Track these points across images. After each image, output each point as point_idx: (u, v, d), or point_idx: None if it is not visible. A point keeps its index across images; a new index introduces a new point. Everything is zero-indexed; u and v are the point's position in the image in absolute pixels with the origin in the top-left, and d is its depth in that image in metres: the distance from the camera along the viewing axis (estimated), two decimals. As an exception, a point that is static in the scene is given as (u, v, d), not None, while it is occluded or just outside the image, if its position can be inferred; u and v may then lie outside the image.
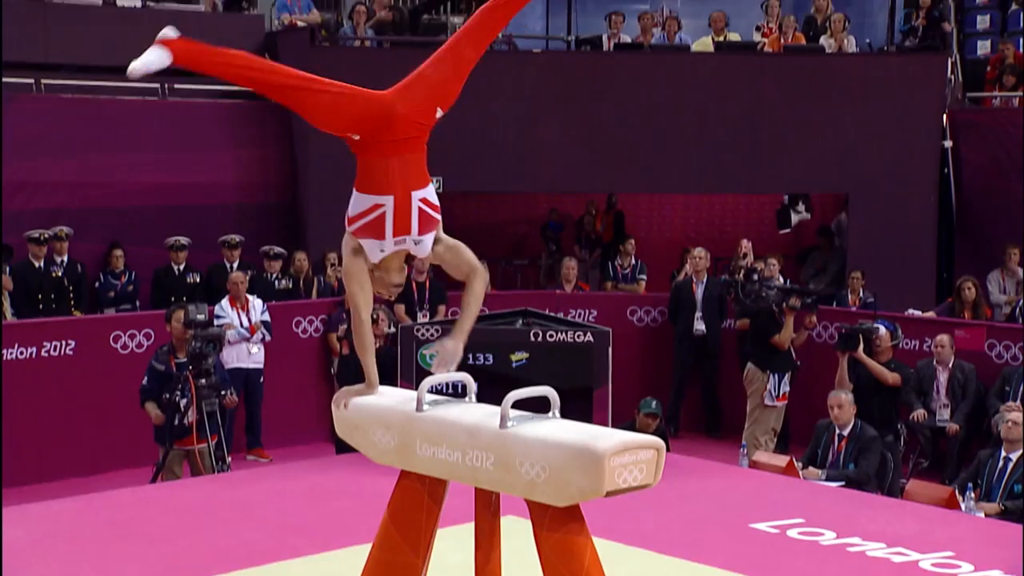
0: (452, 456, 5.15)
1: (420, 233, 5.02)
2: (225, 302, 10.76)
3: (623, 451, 4.87)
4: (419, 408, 5.33)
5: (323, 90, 5.00)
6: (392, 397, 5.70)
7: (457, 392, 5.64)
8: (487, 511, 5.27)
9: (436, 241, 5.13)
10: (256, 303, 10.95)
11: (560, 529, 4.98)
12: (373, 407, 5.61)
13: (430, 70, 5.08)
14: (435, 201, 5.07)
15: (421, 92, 5.05)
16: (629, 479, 4.88)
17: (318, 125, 5.04)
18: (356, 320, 5.13)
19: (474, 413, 5.28)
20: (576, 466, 4.83)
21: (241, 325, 10.74)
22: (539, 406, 5.17)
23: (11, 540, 6.84)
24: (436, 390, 5.50)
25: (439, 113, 5.10)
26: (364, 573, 5.59)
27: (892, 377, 10.16)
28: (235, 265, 11.64)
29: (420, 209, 5.00)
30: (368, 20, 13.94)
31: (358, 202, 4.98)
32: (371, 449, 5.54)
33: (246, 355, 10.84)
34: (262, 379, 11.02)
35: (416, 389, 5.37)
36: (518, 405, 5.02)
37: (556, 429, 5.05)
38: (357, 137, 4.98)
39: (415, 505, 5.42)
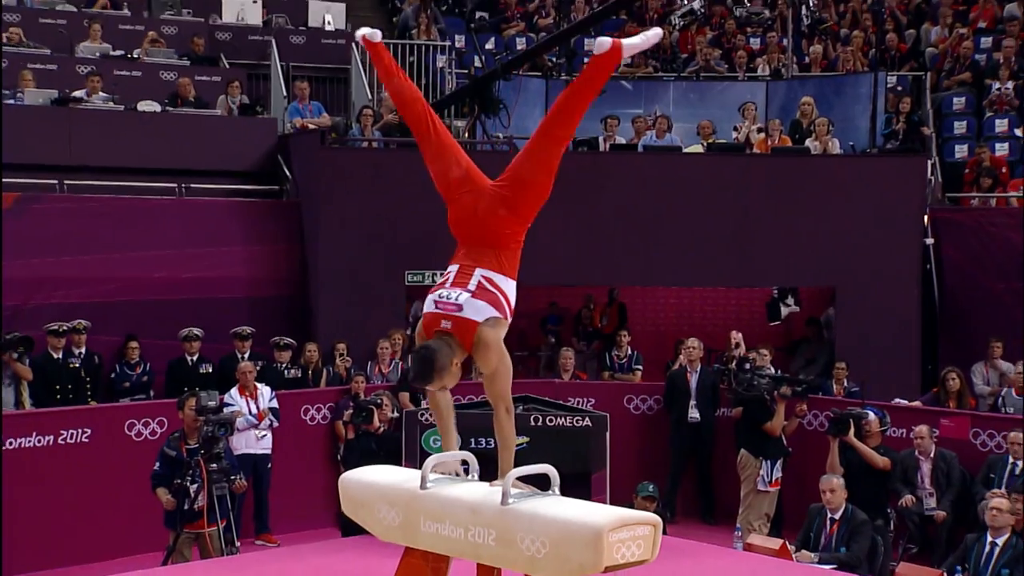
0: (455, 532, 5.11)
1: (475, 297, 4.96)
2: (235, 391, 10.73)
3: (621, 527, 4.83)
4: (423, 486, 5.30)
5: (442, 139, 5.18)
6: (397, 475, 5.67)
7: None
8: (489, 589, 5.23)
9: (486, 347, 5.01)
10: (264, 391, 10.92)
11: (561, 605, 4.93)
12: (379, 485, 5.57)
13: (519, 165, 5.23)
14: (505, 289, 5.07)
15: (513, 181, 5.21)
16: (627, 554, 4.84)
17: (427, 163, 5.20)
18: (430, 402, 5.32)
19: (476, 491, 5.25)
20: (576, 541, 4.79)
21: (249, 412, 10.69)
22: (540, 485, 5.15)
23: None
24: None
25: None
26: (370, 650, 5.53)
27: (882, 461, 10.13)
28: (246, 355, 11.63)
29: (479, 282, 5.00)
30: (375, 123, 14.06)
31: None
32: (376, 526, 5.50)
33: (254, 441, 10.78)
34: (269, 465, 10.94)
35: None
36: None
37: (556, 505, 5.02)
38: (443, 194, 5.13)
39: (420, 579, 5.38)
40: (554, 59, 15.73)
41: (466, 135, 14.33)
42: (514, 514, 4.96)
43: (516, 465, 5.10)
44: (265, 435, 10.86)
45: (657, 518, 5.04)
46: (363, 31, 5.31)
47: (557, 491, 5.22)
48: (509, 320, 5.03)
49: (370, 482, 5.64)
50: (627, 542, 4.86)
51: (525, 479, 5.16)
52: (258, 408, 10.78)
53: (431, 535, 5.22)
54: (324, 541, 9.74)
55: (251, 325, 12.06)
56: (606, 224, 13.21)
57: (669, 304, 14.78)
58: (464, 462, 5.62)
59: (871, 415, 10.32)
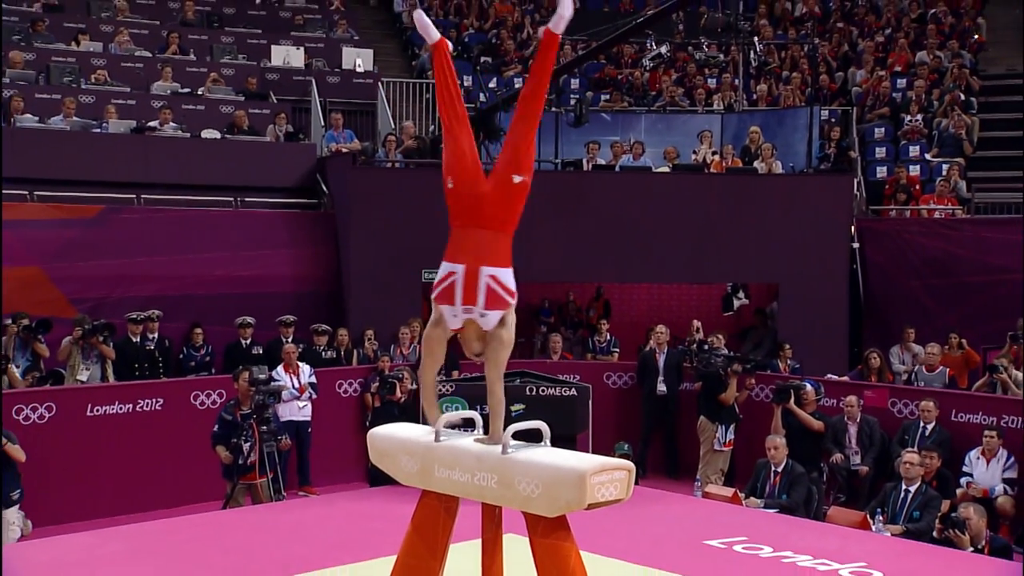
0: (463, 477, 5.14)
1: (487, 308, 4.72)
2: (280, 368, 10.74)
3: (601, 471, 4.85)
4: (437, 439, 5.33)
5: (461, 134, 4.82)
6: (414, 431, 5.70)
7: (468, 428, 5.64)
8: (492, 522, 5.25)
9: (501, 323, 4.79)
10: (305, 368, 10.92)
11: (551, 536, 4.95)
12: (400, 439, 5.59)
13: (510, 134, 4.94)
14: (508, 284, 4.75)
15: (502, 161, 4.87)
16: (606, 494, 4.86)
17: (444, 150, 4.86)
18: (421, 381, 5.00)
19: (480, 443, 5.28)
20: (564, 483, 4.81)
21: (292, 386, 10.71)
22: (534, 439, 5.18)
23: (117, 551, 6.83)
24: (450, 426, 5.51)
25: (517, 179, 4.83)
26: (393, 574, 5.53)
27: (817, 424, 10.17)
28: (289, 339, 11.62)
29: (488, 285, 4.70)
30: (397, 147, 14.08)
31: (440, 270, 4.75)
32: (398, 472, 5.52)
33: (297, 410, 10.78)
34: (310, 429, 10.94)
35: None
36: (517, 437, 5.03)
37: (547, 455, 5.04)
38: (451, 185, 4.79)
39: (433, 518, 5.39)
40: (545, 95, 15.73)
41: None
42: (512, 461, 4.99)
43: (516, 435, 5.12)
44: (306, 405, 10.86)
45: (631, 464, 5.06)
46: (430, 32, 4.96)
47: (548, 443, 5.25)
48: (514, 303, 4.81)
49: (393, 436, 5.67)
50: (606, 484, 4.88)
51: (522, 434, 5.20)
52: (299, 383, 10.80)
53: (443, 479, 5.24)
54: (355, 491, 9.76)
55: (294, 314, 12.08)
56: (589, 231, 13.22)
57: (642, 297, 14.80)
58: (471, 421, 5.65)
59: (808, 387, 10.36)
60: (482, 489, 5.08)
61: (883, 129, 15.94)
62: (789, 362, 12.10)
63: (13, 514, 8.79)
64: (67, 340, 10.73)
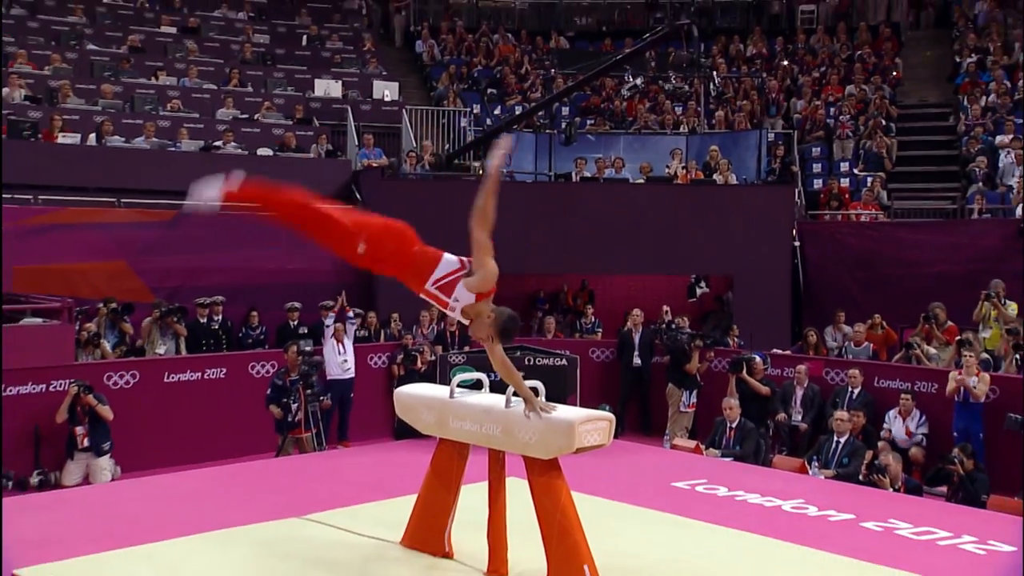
0: (473, 427, 5.19)
1: (448, 298, 4.75)
2: (332, 339, 10.71)
3: (587, 421, 4.90)
4: (451, 396, 5.38)
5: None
6: (432, 390, 5.75)
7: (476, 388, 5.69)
8: (497, 464, 5.28)
9: (475, 287, 4.72)
10: (348, 340, 10.88)
11: (546, 475, 4.99)
12: (421, 396, 5.64)
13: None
14: (445, 273, 4.74)
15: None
16: (592, 440, 4.91)
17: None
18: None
19: (488, 399, 5.33)
20: (556, 431, 4.85)
21: (339, 354, 10.68)
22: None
23: (190, 489, 6.88)
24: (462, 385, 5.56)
25: (360, 248, 4.77)
26: (414, 509, 5.58)
27: (764, 390, 10.18)
28: (328, 321, 11.56)
29: (434, 292, 4.75)
30: (418, 162, 14.09)
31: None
32: (419, 423, 5.57)
33: (342, 372, 10.71)
34: (352, 394, 10.83)
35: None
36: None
37: (543, 408, 5.07)
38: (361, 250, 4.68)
39: (448, 461, 5.44)
40: (541, 120, 15.76)
41: (480, 171, 14.37)
42: (514, 414, 5.03)
43: (516, 393, 5.16)
44: (350, 368, 10.73)
45: (612, 416, 5.11)
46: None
47: (543, 399, 5.29)
48: (463, 270, 4.72)
49: (415, 394, 5.72)
50: (592, 432, 4.92)
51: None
52: (345, 350, 10.74)
53: (456, 429, 5.29)
54: (382, 444, 9.78)
55: (332, 300, 12.09)
56: (577, 232, 13.24)
57: (620, 287, 14.80)
58: (479, 382, 5.70)
59: (757, 359, 10.39)
60: (489, 437, 5.13)
61: (819, 148, 15.95)
62: (736, 339, 12.16)
63: (105, 462, 8.86)
64: (147, 320, 10.78)
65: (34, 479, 8.67)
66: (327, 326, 10.87)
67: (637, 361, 12.01)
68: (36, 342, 9.22)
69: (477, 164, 14.63)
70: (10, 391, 8.76)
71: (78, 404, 8.73)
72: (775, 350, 11.59)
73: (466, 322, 4.94)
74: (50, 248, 11.28)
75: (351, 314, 11.09)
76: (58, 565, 5.06)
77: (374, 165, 14.22)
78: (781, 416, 10.16)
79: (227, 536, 5.54)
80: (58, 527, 5.94)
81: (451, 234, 14.31)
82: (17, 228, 10.97)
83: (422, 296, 4.82)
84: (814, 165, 15.79)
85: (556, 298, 14.88)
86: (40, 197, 11.92)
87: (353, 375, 10.87)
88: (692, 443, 9.10)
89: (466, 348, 10.88)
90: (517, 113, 15.84)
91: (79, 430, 8.76)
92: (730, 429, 8.98)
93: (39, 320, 9.52)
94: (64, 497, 7.36)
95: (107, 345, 10.23)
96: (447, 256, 4.85)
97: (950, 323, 11.00)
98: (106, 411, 8.84)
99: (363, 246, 4.67)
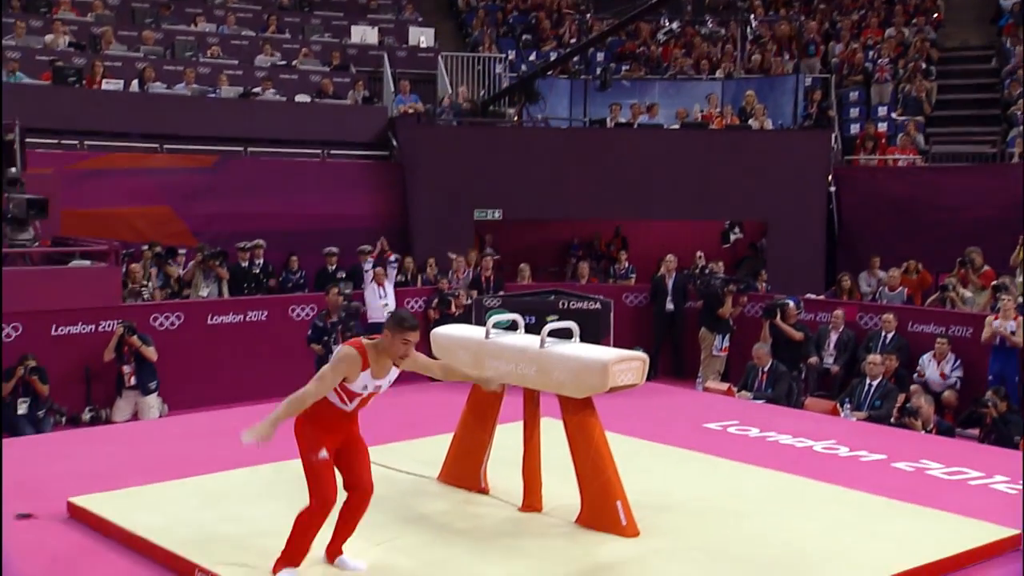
0: (508, 367, 5.22)
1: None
2: (373, 283, 10.72)
3: (620, 361, 4.91)
4: (487, 336, 5.40)
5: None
6: (468, 331, 5.79)
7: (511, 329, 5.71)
8: (532, 403, 5.33)
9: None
10: (388, 283, 10.87)
11: (579, 413, 5.02)
12: (457, 336, 5.68)
13: None
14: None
15: None
16: (625, 379, 4.91)
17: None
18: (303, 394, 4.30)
19: (523, 340, 5.35)
20: (590, 371, 4.87)
21: (379, 297, 10.66)
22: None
23: (235, 426, 6.97)
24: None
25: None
26: (451, 446, 5.66)
27: (798, 335, 10.09)
28: (366, 265, 11.53)
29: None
30: (453, 108, 13.98)
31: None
32: (455, 363, 5.59)
33: (384, 314, 10.59)
34: None
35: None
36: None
37: (577, 348, 5.10)
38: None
39: (484, 400, 5.50)
40: (576, 65, 15.55)
41: (516, 118, 14.27)
42: (548, 353, 5.05)
43: (551, 332, 5.15)
44: (391, 311, 10.72)
45: (645, 355, 5.10)
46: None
47: (578, 340, 5.30)
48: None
49: (451, 335, 5.76)
50: (625, 371, 4.92)
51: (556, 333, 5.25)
52: (386, 293, 10.74)
53: (492, 369, 5.31)
54: (419, 385, 9.81)
55: (371, 245, 12.14)
56: (612, 178, 13.13)
57: (654, 233, 14.68)
58: (514, 323, 5.71)
59: (791, 303, 10.27)
60: (523, 376, 5.16)
61: (857, 92, 15.58)
62: (765, 284, 12.07)
63: (152, 400, 9.05)
64: (191, 264, 10.89)
65: (86, 415, 8.89)
66: (367, 270, 10.90)
67: (670, 306, 11.93)
68: (85, 283, 9.37)
69: (512, 111, 14.50)
70: (61, 331, 8.94)
71: (124, 344, 8.89)
72: (808, 295, 11.47)
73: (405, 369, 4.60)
74: (96, 193, 11.42)
75: (392, 258, 11.11)
76: (111, 494, 5.20)
77: (410, 111, 14.14)
78: (813, 360, 10.09)
79: (271, 470, 5.65)
80: (110, 460, 6.10)
81: (485, 180, 14.33)
82: (65, 173, 11.10)
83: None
84: (851, 110, 15.45)
85: (590, 245, 14.80)
86: (86, 143, 12.03)
87: None
88: (724, 386, 9.10)
89: (500, 292, 10.88)
90: (552, 58, 15.61)
91: (126, 369, 8.94)
92: (762, 372, 8.96)
93: (87, 262, 9.66)
94: (114, 432, 7.55)
95: (152, 288, 10.36)
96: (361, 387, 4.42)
97: (986, 267, 10.80)
98: (150, 351, 9.00)
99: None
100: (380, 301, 10.70)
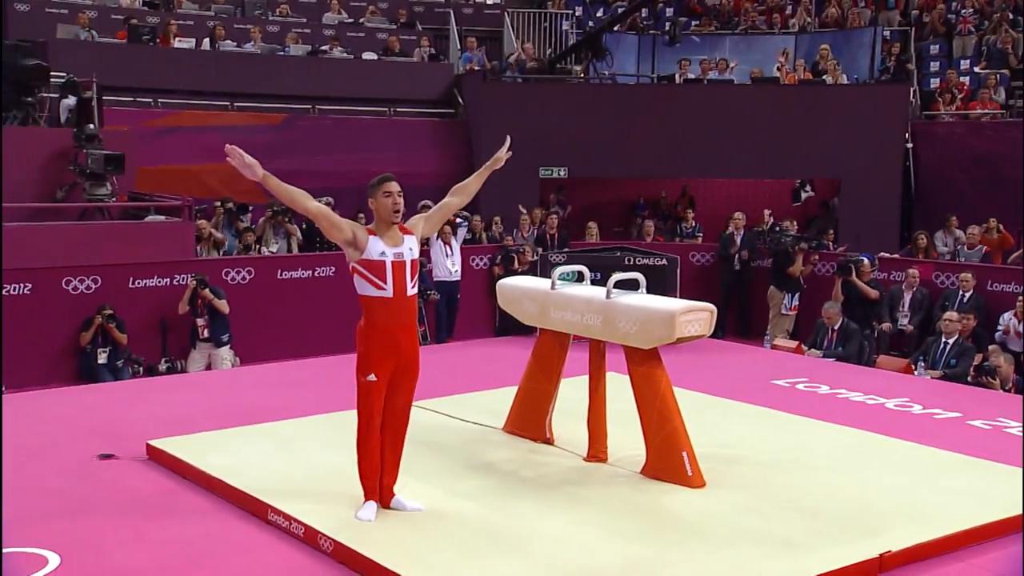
0: (574, 317, 5.21)
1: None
2: (440, 241, 10.62)
3: (688, 311, 4.85)
4: (552, 287, 5.39)
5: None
6: (534, 282, 5.79)
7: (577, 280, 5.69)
8: (597, 354, 5.30)
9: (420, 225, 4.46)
10: (455, 242, 10.86)
11: (646, 364, 4.98)
12: (523, 287, 5.68)
13: None
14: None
15: None
16: (692, 330, 4.85)
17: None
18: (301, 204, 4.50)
19: (589, 290, 5.32)
20: (657, 321, 4.82)
21: (446, 255, 10.67)
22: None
23: (298, 378, 7.17)
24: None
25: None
26: (516, 397, 5.68)
27: (873, 293, 9.86)
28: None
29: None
30: (519, 66, 13.90)
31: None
32: (521, 314, 5.61)
33: (450, 274, 10.65)
34: (459, 295, 10.75)
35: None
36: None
37: (643, 299, 5.06)
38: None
39: (550, 351, 5.49)
40: (644, 20, 15.29)
41: (582, 74, 14.11)
42: (614, 304, 5.02)
43: (617, 283, 5.12)
44: (457, 269, 10.68)
45: (713, 306, 5.02)
46: None
47: (644, 291, 5.26)
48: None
49: (517, 286, 5.76)
50: (692, 322, 4.86)
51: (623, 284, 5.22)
52: (453, 251, 10.71)
53: (558, 319, 5.32)
54: (484, 340, 9.93)
55: (431, 201, 12.14)
56: (680, 135, 12.96)
57: (722, 192, 14.47)
58: (580, 274, 5.69)
59: (865, 260, 10.03)
60: (589, 327, 5.14)
61: (938, 45, 15.03)
62: (833, 243, 11.85)
63: (225, 352, 9.27)
64: (262, 220, 11.07)
65: (162, 366, 9.16)
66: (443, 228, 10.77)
67: (737, 264, 11.78)
68: (159, 238, 9.61)
69: (579, 67, 14.35)
70: (138, 283, 9.20)
71: (198, 297, 9.11)
72: (883, 253, 11.21)
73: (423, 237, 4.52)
74: (170, 150, 11.66)
75: (460, 217, 11.08)
76: (188, 438, 5.37)
77: (476, 68, 14.09)
78: (886, 325, 9.83)
79: (339, 418, 5.75)
80: (186, 406, 6.29)
81: (551, 138, 14.19)
82: (140, 130, 11.35)
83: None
84: (931, 63, 14.91)
85: (656, 204, 14.66)
86: (160, 100, 12.27)
87: (459, 279, 10.84)
88: (793, 343, 8.96)
89: (566, 249, 10.85)
90: (620, 13, 15.37)
91: (199, 321, 9.17)
92: (832, 331, 8.80)
93: (162, 217, 9.90)
94: (189, 381, 7.77)
95: (225, 241, 10.58)
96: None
97: (1072, 226, 10.42)
98: (222, 304, 9.20)
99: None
100: (447, 259, 10.72)
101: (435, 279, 10.40)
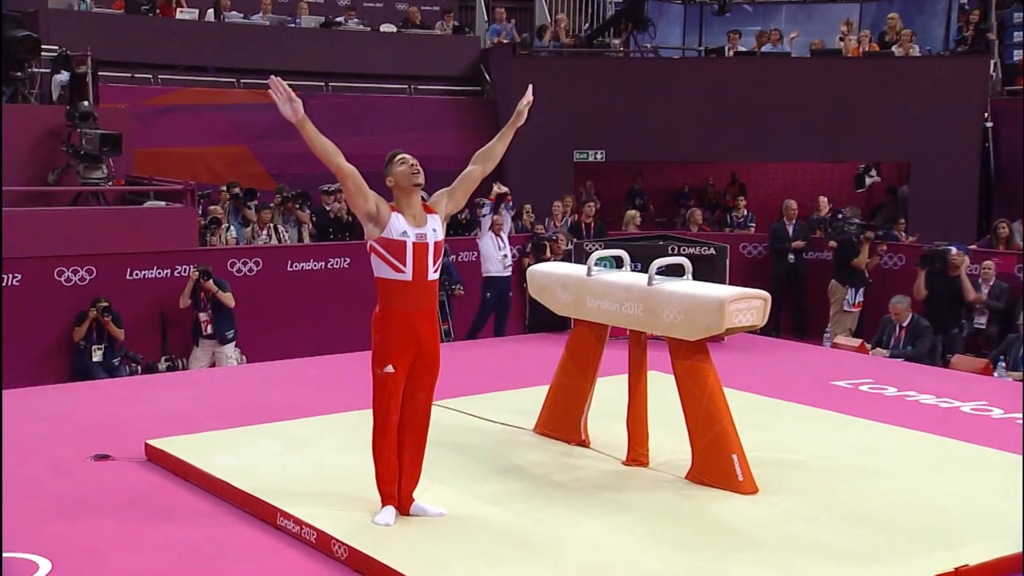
0: (612, 307, 5.21)
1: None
2: (490, 232, 10.49)
3: (739, 299, 4.83)
4: (588, 274, 5.39)
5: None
6: (568, 268, 5.80)
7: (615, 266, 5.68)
8: (638, 347, 5.29)
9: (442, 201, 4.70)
10: (505, 233, 10.62)
11: (691, 358, 4.96)
12: (556, 274, 5.70)
13: None
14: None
15: None
16: (743, 320, 4.84)
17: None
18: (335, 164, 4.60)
19: (629, 276, 5.33)
20: (704, 310, 4.81)
21: (498, 248, 10.50)
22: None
23: (309, 375, 7.22)
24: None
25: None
26: (548, 395, 5.68)
27: (973, 293, 9.63)
28: (484, 210, 10.87)
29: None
30: (553, 39, 13.91)
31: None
32: (554, 304, 5.62)
33: (502, 268, 10.49)
34: (511, 294, 10.56)
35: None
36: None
37: (689, 285, 5.05)
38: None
39: (585, 344, 5.50)
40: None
41: (622, 48, 14.09)
42: (657, 291, 5.01)
43: (660, 269, 5.12)
44: (509, 264, 10.53)
45: (767, 294, 4.99)
46: None
47: (690, 277, 5.25)
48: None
49: (550, 273, 5.78)
50: (744, 311, 4.85)
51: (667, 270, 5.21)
52: (504, 243, 10.56)
53: (594, 309, 5.32)
54: (516, 337, 9.93)
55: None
56: (729, 115, 12.91)
57: (776, 177, 14.39)
58: (619, 259, 5.69)
59: (953, 250, 9.75)
60: (629, 317, 5.14)
61: (1022, 13, 14.84)
62: (903, 233, 11.72)
63: (230, 350, 9.34)
64: (271, 206, 11.14)
65: (162, 365, 9.25)
66: (483, 216, 10.67)
67: (791, 257, 11.71)
68: (159, 225, 9.69)
69: (618, 40, 14.33)
70: (135, 275, 9.28)
71: (200, 290, 9.18)
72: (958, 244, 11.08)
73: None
74: (170, 131, 11.78)
75: (510, 203, 10.86)
76: (190, 437, 5.43)
77: (505, 42, 14.11)
78: (979, 297, 9.60)
79: (354, 418, 5.78)
80: (187, 405, 6.36)
81: (587, 118, 14.17)
82: (139, 108, 11.47)
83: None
84: (1015, 33, 14.73)
85: (703, 192, 14.62)
86: (160, 77, 12.41)
87: (510, 274, 10.61)
88: (856, 341, 8.89)
89: (604, 238, 10.82)
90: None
91: (203, 316, 9.24)
92: (900, 328, 8.71)
93: (162, 203, 9.99)
94: (190, 378, 7.86)
95: (228, 232, 10.65)
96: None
97: None
98: (228, 298, 9.26)
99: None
100: (499, 252, 10.51)
101: (486, 275, 10.28)
